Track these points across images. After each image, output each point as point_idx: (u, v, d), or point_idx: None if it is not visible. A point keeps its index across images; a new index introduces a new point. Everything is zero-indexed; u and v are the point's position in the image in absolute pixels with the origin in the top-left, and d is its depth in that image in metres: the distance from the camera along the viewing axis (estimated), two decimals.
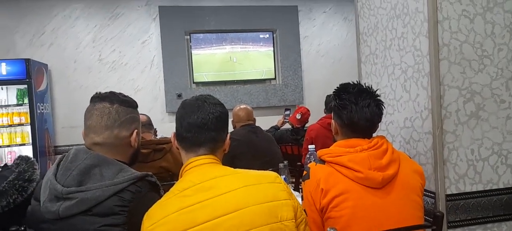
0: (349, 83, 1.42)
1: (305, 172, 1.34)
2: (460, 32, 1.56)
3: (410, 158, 1.45)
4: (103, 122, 1.19)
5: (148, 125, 2.48)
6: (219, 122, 1.15)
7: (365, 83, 1.45)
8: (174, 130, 1.18)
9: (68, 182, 1.09)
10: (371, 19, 2.00)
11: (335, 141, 1.43)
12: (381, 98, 1.41)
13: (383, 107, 1.39)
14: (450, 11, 1.55)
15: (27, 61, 4.29)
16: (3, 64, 4.28)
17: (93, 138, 1.19)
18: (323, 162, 1.32)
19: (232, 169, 1.13)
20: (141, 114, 2.52)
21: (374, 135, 1.41)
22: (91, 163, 1.12)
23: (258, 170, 1.14)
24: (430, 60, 1.55)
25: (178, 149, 1.17)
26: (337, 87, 1.43)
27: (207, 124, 1.12)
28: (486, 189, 1.62)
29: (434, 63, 1.54)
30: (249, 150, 2.64)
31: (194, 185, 1.04)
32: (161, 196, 1.13)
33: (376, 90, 1.41)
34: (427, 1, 1.55)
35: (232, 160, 2.56)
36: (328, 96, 3.80)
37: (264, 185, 1.07)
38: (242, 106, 2.93)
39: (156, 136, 2.57)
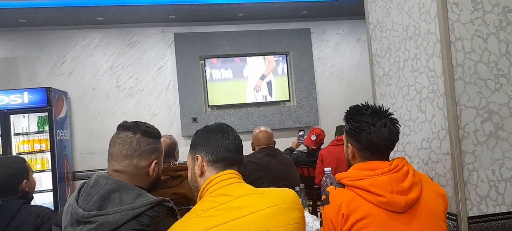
0: (358, 105, 1.39)
1: (323, 197, 1.31)
2: (474, 52, 1.55)
3: (432, 180, 1.42)
4: (124, 150, 1.23)
5: (169, 153, 2.47)
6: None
7: (378, 104, 1.44)
8: (198, 153, 1.21)
9: (89, 207, 1.12)
10: (384, 41, 2.01)
11: (350, 165, 1.39)
12: (398, 119, 1.39)
13: (398, 125, 1.36)
14: (462, 31, 1.55)
15: (48, 89, 4.44)
16: (25, 93, 4.43)
17: (114, 165, 1.23)
18: (342, 185, 1.29)
19: (252, 187, 1.16)
20: (167, 136, 2.54)
21: (392, 155, 1.38)
22: (111, 188, 1.15)
23: None
24: (445, 81, 1.55)
25: (202, 172, 1.18)
26: (348, 110, 1.40)
27: (239, 146, 1.24)
28: (510, 210, 1.57)
29: (449, 84, 1.53)
30: (267, 174, 2.61)
31: (219, 205, 1.06)
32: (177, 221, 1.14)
33: (388, 109, 1.39)
34: (438, 23, 1.56)
35: (251, 184, 2.55)
36: (338, 127, 3.92)
37: (288, 206, 1.11)
38: (262, 129, 2.86)
39: (177, 160, 2.56)
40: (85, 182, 1.20)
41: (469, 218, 1.53)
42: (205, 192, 1.14)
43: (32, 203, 1.89)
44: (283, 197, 1.12)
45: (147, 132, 1.28)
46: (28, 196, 1.88)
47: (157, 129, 1.34)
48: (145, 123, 1.31)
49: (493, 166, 1.56)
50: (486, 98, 1.56)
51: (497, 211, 1.56)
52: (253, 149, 2.86)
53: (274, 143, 2.86)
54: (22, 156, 4.38)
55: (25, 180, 1.86)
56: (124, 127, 1.27)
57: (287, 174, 2.71)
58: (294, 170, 2.89)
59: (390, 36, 1.95)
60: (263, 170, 2.61)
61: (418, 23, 1.71)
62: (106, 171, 1.26)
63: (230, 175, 1.15)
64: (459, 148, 1.53)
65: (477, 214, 1.54)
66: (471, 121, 1.55)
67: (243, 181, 1.19)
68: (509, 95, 1.57)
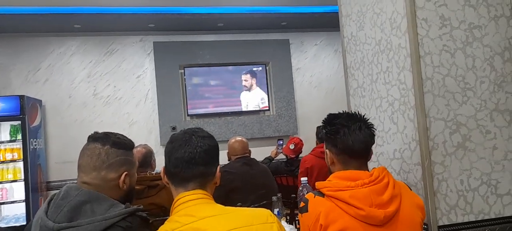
0: (336, 113, 1.43)
1: (302, 204, 1.31)
2: (442, 66, 1.62)
3: (411, 189, 1.45)
4: (92, 162, 1.20)
5: (145, 162, 2.44)
6: (207, 156, 1.15)
7: (352, 111, 1.47)
8: (164, 165, 1.20)
9: (59, 219, 1.09)
10: (357, 54, 2.07)
11: (331, 172, 1.41)
12: None
13: (374, 129, 1.40)
14: (431, 46, 1.61)
15: (21, 97, 4.31)
16: None
17: (82, 177, 1.21)
18: (322, 194, 1.29)
19: (223, 207, 1.12)
20: (142, 145, 2.51)
21: (370, 166, 1.41)
22: (82, 199, 1.12)
23: (253, 202, 1.15)
24: (415, 93, 1.60)
25: (168, 184, 1.18)
26: (325, 118, 1.43)
27: (194, 158, 1.12)
28: (477, 219, 1.62)
29: (419, 96, 1.58)
30: (244, 184, 2.62)
31: (182, 226, 1.04)
32: None
33: (364, 115, 1.43)
34: (409, 38, 1.62)
35: (227, 194, 2.54)
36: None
37: (256, 227, 1.06)
38: (237, 139, 2.89)
39: (154, 169, 2.53)
40: (55, 194, 1.17)
41: (439, 227, 1.57)
42: (173, 210, 1.12)
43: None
44: (251, 217, 1.07)
45: (117, 143, 1.25)
46: None
47: (129, 140, 1.31)
48: (116, 134, 1.28)
49: (462, 176, 1.61)
50: (454, 110, 1.62)
51: (466, 220, 1.60)
52: (229, 159, 2.87)
53: (249, 152, 2.88)
54: None
55: None
56: (93, 138, 1.25)
57: (264, 183, 2.72)
58: (271, 179, 2.90)
59: (364, 49, 2.00)
60: (240, 179, 2.62)
61: (390, 38, 1.77)
62: (76, 182, 1.23)
63: (199, 195, 1.11)
64: (429, 159, 1.58)
65: (446, 223, 1.59)
66: (440, 132, 1.60)
67: (213, 201, 1.14)
68: (476, 108, 1.64)
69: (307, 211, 1.27)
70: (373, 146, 1.93)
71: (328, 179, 1.35)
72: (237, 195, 2.52)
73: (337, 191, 1.26)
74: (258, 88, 5.47)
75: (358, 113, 1.42)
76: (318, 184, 1.33)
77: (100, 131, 1.29)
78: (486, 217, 1.62)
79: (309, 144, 4.53)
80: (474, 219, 1.61)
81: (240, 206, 1.86)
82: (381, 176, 1.30)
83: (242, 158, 2.79)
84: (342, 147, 1.34)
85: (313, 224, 1.23)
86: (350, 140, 1.32)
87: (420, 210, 1.33)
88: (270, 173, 2.94)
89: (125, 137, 1.31)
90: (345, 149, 1.34)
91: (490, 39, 1.67)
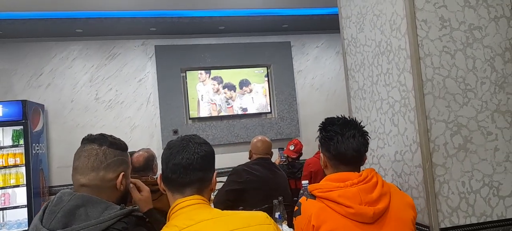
0: (334, 117, 1.46)
1: (296, 208, 1.35)
2: (443, 67, 1.61)
3: (400, 190, 1.46)
4: (89, 163, 1.19)
5: (147, 166, 2.43)
6: (205, 162, 1.16)
7: (350, 117, 1.49)
8: (160, 172, 1.20)
9: (53, 225, 1.08)
10: (358, 56, 2.06)
11: (325, 175, 1.44)
12: (372, 132, 1.44)
13: (368, 137, 1.42)
14: (431, 48, 1.60)
15: (23, 102, 4.33)
16: (0, 106, 4.31)
17: (79, 179, 1.19)
18: (313, 196, 1.33)
19: (220, 211, 1.13)
20: (144, 149, 2.50)
21: (363, 167, 1.42)
22: (75, 204, 1.11)
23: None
24: (415, 95, 1.59)
25: (164, 191, 1.18)
26: (323, 122, 1.46)
27: (192, 164, 1.13)
28: (480, 221, 1.61)
29: (419, 98, 1.57)
30: (263, 188, 2.59)
31: (180, 229, 1.04)
32: (148, 229, 1.13)
33: (360, 122, 1.45)
34: (408, 39, 1.61)
35: (242, 193, 2.52)
36: None
37: (253, 228, 1.07)
38: (259, 138, 2.86)
39: (156, 173, 2.53)
40: (50, 201, 1.17)
41: (441, 229, 1.56)
42: (171, 214, 1.13)
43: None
44: (248, 219, 1.09)
45: (113, 143, 1.25)
46: None
47: (123, 141, 1.31)
48: (111, 135, 1.28)
49: (463, 178, 1.60)
50: (455, 112, 1.61)
51: (468, 222, 1.59)
52: (250, 157, 2.84)
53: (271, 153, 2.85)
54: None
55: None
56: (89, 139, 1.24)
57: (282, 189, 2.69)
58: (288, 185, 2.90)
59: (364, 51, 2.00)
60: (260, 182, 2.59)
61: (390, 39, 1.76)
62: (71, 187, 1.22)
63: (196, 200, 1.12)
64: (430, 161, 1.57)
65: (448, 225, 1.57)
66: (441, 134, 1.59)
67: (209, 205, 1.16)
68: (477, 109, 1.63)
69: (300, 214, 1.31)
70: (374, 148, 1.94)
71: (320, 182, 1.38)
72: (252, 197, 2.50)
73: (327, 191, 1.29)
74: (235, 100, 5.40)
75: (354, 120, 1.44)
76: (310, 187, 1.37)
77: None
78: (488, 219, 1.61)
79: (311, 146, 4.51)
80: (476, 221, 1.60)
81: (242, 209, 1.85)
82: (370, 176, 1.33)
83: (263, 160, 2.74)
84: (335, 153, 1.38)
85: (306, 225, 1.26)
86: (343, 147, 1.36)
87: (412, 209, 1.35)
88: (286, 179, 2.94)
89: (119, 138, 1.31)
90: (338, 155, 1.37)
91: (491, 40, 1.66)
